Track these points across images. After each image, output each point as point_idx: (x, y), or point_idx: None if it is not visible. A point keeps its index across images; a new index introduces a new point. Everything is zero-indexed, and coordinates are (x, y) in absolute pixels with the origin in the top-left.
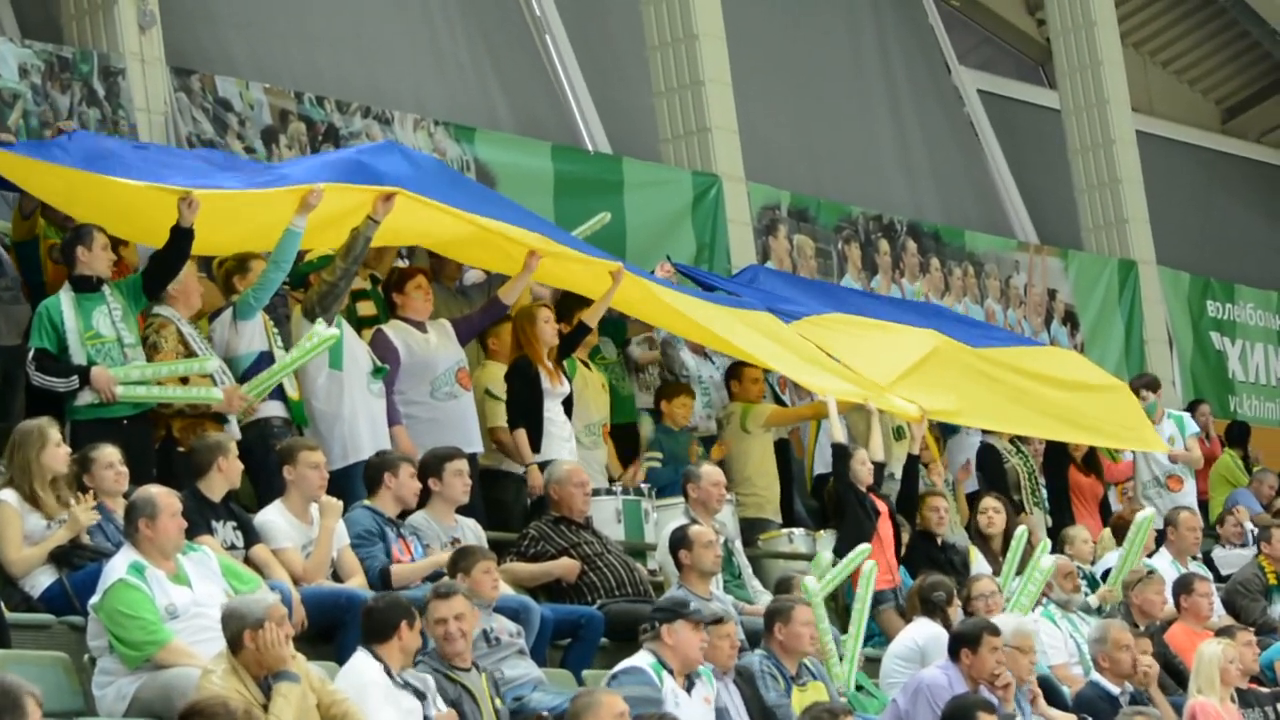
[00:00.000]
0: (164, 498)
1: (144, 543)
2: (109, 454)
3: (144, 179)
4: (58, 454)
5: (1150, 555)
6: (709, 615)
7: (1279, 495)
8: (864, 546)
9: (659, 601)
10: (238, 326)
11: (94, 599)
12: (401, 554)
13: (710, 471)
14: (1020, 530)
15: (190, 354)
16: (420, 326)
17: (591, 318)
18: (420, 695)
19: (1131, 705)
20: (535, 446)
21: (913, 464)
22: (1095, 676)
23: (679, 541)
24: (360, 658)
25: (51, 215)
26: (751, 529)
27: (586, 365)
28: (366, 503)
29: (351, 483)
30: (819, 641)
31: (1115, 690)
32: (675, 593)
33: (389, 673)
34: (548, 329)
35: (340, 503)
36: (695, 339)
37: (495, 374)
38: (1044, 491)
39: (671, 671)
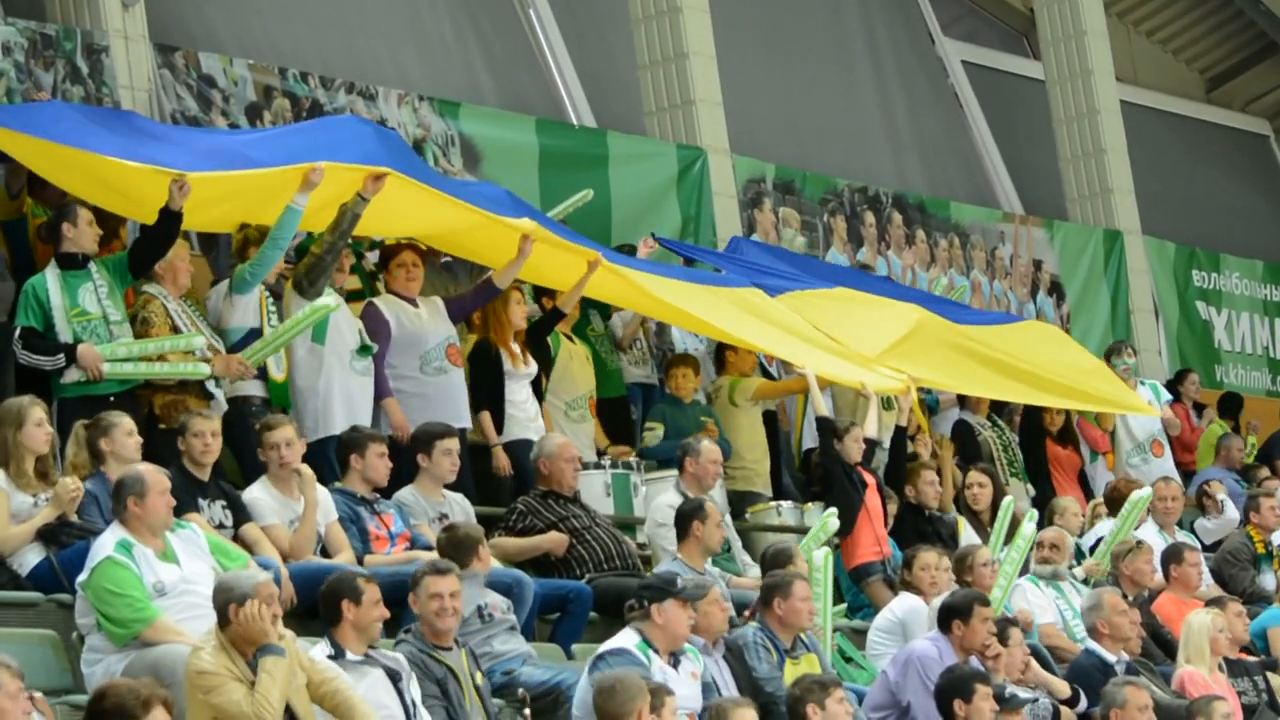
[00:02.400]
0: (153, 476)
1: (133, 520)
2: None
3: (135, 158)
4: (36, 433)
5: (1137, 526)
6: (698, 594)
7: (1248, 454)
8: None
9: (647, 579)
10: (233, 300)
11: (81, 576)
12: (379, 529)
13: (710, 449)
14: (1006, 500)
15: (176, 331)
16: (412, 301)
17: (566, 304)
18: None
19: (1125, 675)
20: (499, 428)
21: (900, 436)
22: (1091, 644)
23: (693, 513)
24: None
25: (39, 194)
26: (741, 502)
27: (570, 339)
28: (338, 484)
29: (323, 456)
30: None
31: (1111, 658)
32: (670, 565)
33: (339, 654)
34: (518, 311)
35: (312, 472)
36: (674, 323)
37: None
38: (1021, 462)
39: (657, 650)
